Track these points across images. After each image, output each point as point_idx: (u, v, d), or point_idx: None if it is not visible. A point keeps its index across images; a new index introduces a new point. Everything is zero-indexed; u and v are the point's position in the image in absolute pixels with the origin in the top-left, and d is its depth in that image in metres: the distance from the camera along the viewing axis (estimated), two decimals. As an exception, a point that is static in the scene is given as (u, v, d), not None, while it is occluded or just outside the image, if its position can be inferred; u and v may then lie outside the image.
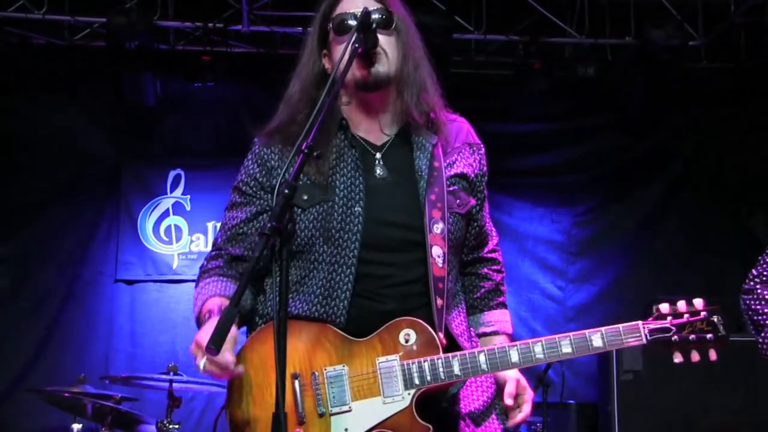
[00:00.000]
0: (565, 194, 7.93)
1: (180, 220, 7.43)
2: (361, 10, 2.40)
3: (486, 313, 2.71)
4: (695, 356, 2.30)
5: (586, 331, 2.31)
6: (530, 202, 7.90)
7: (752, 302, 3.36)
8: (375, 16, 2.43)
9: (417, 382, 2.29)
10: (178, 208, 7.47)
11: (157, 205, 7.45)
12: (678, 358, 2.31)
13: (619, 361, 6.14)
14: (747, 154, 7.76)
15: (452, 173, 2.56)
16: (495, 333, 2.67)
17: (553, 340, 2.31)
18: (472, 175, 2.62)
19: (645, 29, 6.91)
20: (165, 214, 7.43)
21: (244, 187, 2.56)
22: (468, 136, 2.68)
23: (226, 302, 2.37)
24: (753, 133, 7.71)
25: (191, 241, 7.36)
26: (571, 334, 2.31)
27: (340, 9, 2.53)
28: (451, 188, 2.53)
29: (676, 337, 2.30)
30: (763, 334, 3.32)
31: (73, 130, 7.38)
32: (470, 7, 7.05)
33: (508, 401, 2.47)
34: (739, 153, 7.79)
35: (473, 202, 2.62)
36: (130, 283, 7.34)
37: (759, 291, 3.35)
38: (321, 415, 2.29)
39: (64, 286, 7.25)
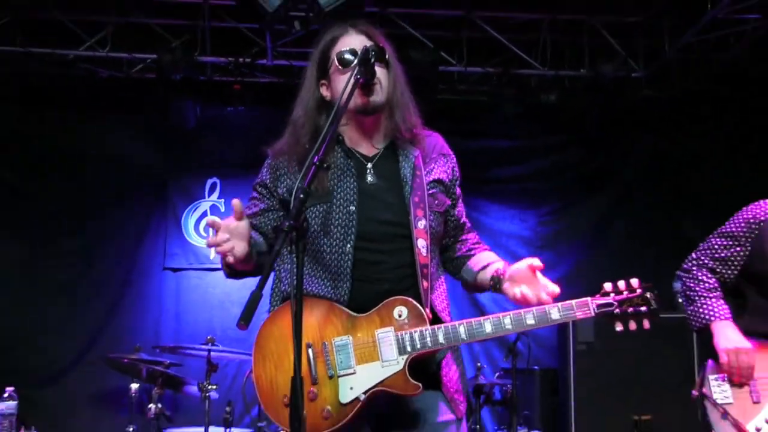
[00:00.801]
0: (534, 199, 7.94)
1: (216, 220, 7.44)
2: (359, 47, 2.42)
3: (476, 255, 2.64)
4: (632, 325, 2.31)
5: (546, 306, 2.33)
6: (504, 205, 7.91)
7: (687, 280, 3.36)
8: (372, 51, 2.43)
9: (409, 349, 2.30)
10: (214, 209, 7.48)
11: (198, 207, 7.48)
12: (619, 327, 2.32)
13: (575, 335, 6.17)
14: (682, 168, 7.79)
15: (431, 179, 2.56)
16: (491, 263, 2.57)
17: (519, 314, 2.33)
18: (447, 180, 2.62)
19: (596, 63, 6.94)
20: (204, 215, 7.44)
21: (258, 188, 2.63)
22: (442, 149, 2.68)
23: None
24: (687, 150, 7.75)
25: (226, 237, 7.35)
26: (533, 308, 2.33)
27: (342, 45, 2.52)
28: (430, 191, 2.53)
29: (617, 310, 2.32)
30: (692, 308, 3.32)
31: (129, 147, 7.40)
32: (454, 44, 7.07)
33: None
34: (675, 167, 7.81)
35: (449, 202, 2.62)
36: (175, 270, 7.35)
37: (695, 272, 3.35)
38: (331, 377, 2.30)
39: (123, 273, 7.27)
